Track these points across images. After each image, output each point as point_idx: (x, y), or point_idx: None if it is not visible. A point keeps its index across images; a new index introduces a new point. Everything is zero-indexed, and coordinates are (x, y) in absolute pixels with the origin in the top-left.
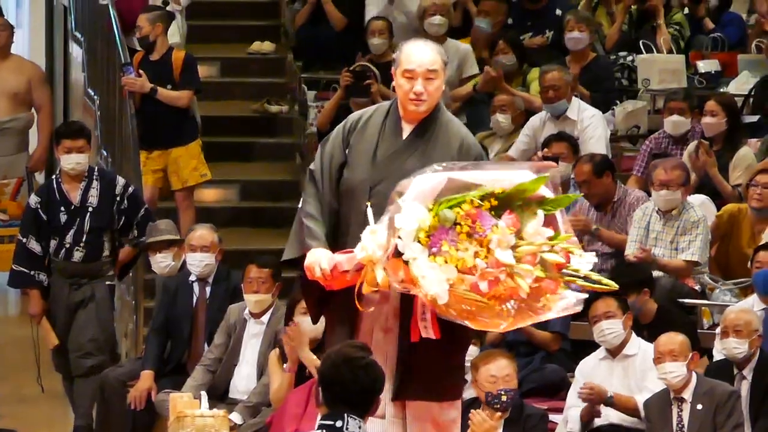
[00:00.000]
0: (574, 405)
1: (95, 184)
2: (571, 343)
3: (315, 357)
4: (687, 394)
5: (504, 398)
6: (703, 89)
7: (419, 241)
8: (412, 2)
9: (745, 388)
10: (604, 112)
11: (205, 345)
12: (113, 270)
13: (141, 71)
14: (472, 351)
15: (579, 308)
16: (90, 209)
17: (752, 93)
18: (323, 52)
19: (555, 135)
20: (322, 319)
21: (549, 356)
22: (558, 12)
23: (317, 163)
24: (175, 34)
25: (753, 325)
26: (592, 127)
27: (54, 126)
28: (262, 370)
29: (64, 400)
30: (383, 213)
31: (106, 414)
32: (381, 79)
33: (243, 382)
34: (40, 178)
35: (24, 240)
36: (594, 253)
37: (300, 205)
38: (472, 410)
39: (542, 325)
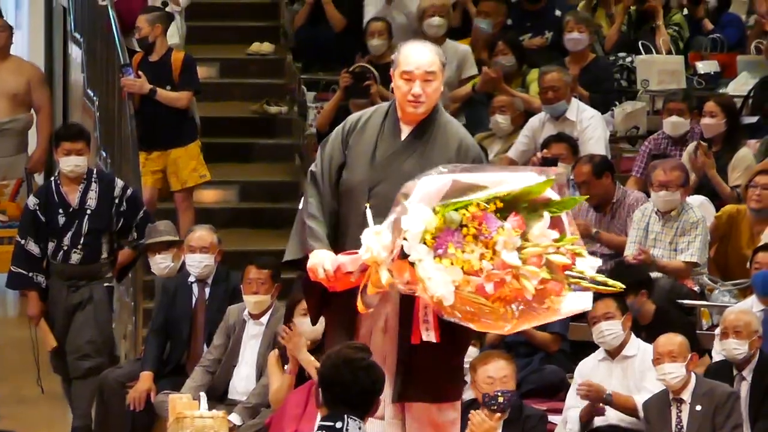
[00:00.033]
0: (573, 406)
1: (94, 186)
2: (570, 344)
3: (313, 358)
4: (686, 395)
5: (500, 399)
6: (703, 90)
7: (425, 243)
8: (412, 2)
9: (744, 389)
10: (603, 113)
11: (205, 346)
12: (112, 272)
13: (140, 72)
14: (472, 352)
15: (588, 307)
16: (88, 211)
17: (751, 94)
18: (322, 53)
19: (554, 136)
20: (322, 320)
21: (548, 357)
22: (557, 13)
23: (318, 164)
24: (174, 35)
25: (753, 326)
26: (591, 128)
27: (53, 127)
28: (261, 371)
29: (64, 401)
30: (382, 214)
31: (105, 415)
32: (380, 80)
33: (242, 383)
34: (39, 179)
35: (22, 241)
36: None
37: (301, 206)
38: (471, 411)
39: (541, 326)
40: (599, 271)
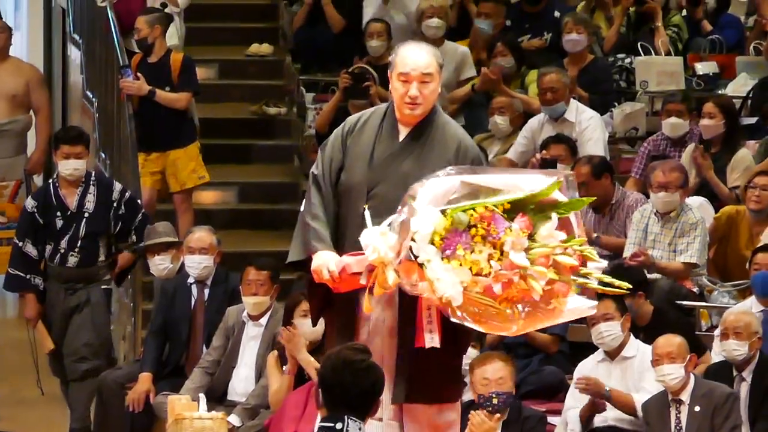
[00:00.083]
0: (573, 406)
1: (92, 189)
2: (569, 345)
3: (313, 359)
4: (685, 396)
5: (495, 401)
6: (701, 91)
7: (433, 244)
8: (411, 3)
9: (744, 389)
10: (602, 114)
11: (204, 347)
12: (110, 275)
13: (139, 73)
14: (472, 353)
15: (592, 311)
16: (86, 215)
17: (750, 95)
18: (321, 55)
19: (553, 137)
20: (321, 321)
21: (547, 358)
22: (556, 14)
23: (318, 166)
24: (173, 36)
25: (753, 327)
26: (590, 129)
27: (52, 128)
28: (260, 372)
29: (63, 402)
30: (381, 215)
31: (104, 416)
32: (379, 81)
33: (241, 384)
34: (38, 180)
35: (20, 244)
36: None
37: (302, 208)
38: (471, 411)
39: (541, 328)
40: None
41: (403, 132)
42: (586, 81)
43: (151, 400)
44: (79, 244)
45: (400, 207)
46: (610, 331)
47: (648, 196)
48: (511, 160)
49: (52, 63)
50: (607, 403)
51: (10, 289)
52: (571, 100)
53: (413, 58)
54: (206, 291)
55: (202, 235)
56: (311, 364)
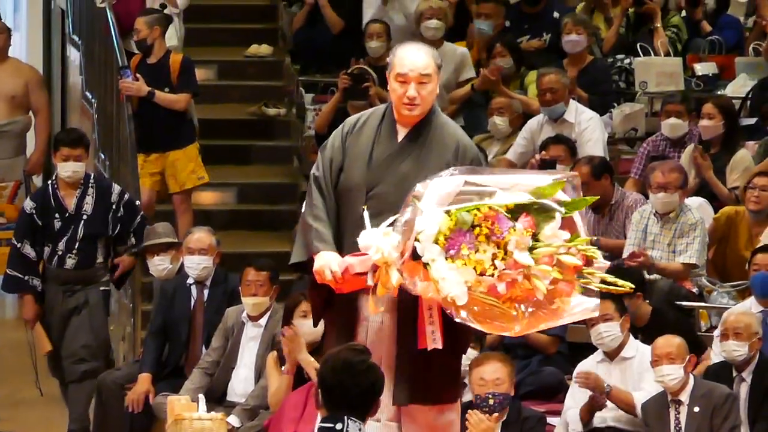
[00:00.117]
0: (572, 406)
1: (90, 191)
2: (568, 345)
3: (313, 359)
4: (684, 397)
5: (491, 401)
6: (701, 92)
7: (437, 244)
8: (411, 4)
9: (744, 390)
10: (601, 115)
11: (203, 348)
12: (110, 278)
13: (138, 74)
14: (472, 354)
15: (595, 313)
16: (84, 217)
17: (749, 96)
18: (320, 55)
19: (553, 138)
20: (321, 322)
21: (547, 359)
22: (555, 15)
23: (319, 167)
24: (172, 37)
25: (753, 328)
26: (589, 129)
27: (51, 129)
28: (259, 373)
29: (62, 403)
30: (380, 216)
31: (103, 417)
32: (378, 82)
33: (241, 385)
34: (37, 181)
35: (18, 245)
36: None
37: (304, 209)
38: (469, 411)
39: None
40: None
41: (402, 133)
42: (585, 82)
43: (151, 400)
44: (76, 246)
45: (403, 207)
46: (609, 331)
47: (647, 197)
48: (510, 160)
49: (51, 64)
50: (607, 401)
51: (8, 290)
52: (571, 100)
53: (411, 58)
54: (205, 292)
55: (201, 236)
56: (311, 365)
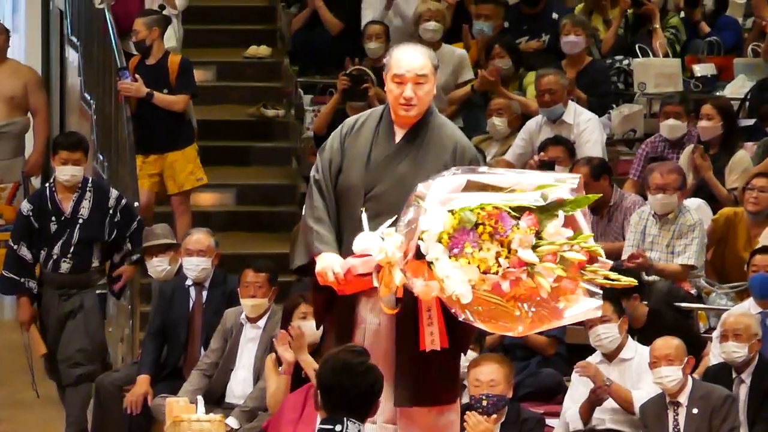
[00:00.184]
0: (571, 406)
1: (88, 195)
2: (567, 347)
3: (312, 360)
4: (683, 398)
5: (485, 403)
6: (699, 93)
7: (440, 243)
8: (409, 6)
9: (743, 391)
10: (600, 116)
11: (202, 349)
12: (110, 287)
13: (137, 76)
14: (471, 355)
15: (598, 313)
16: (80, 221)
17: (748, 97)
18: (319, 56)
19: (551, 139)
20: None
21: (545, 360)
22: (554, 16)
23: (318, 169)
24: (171, 38)
25: (752, 329)
26: (588, 131)
27: (50, 130)
28: (258, 375)
29: (60, 404)
30: (378, 217)
31: (102, 418)
32: (377, 83)
33: (239, 386)
34: (36, 182)
35: (15, 247)
36: None
37: (304, 211)
38: (467, 412)
39: None
40: None
41: (399, 134)
42: (584, 83)
43: (149, 402)
44: (71, 250)
45: (405, 207)
46: (607, 333)
47: (646, 198)
48: (509, 161)
49: (50, 65)
50: (607, 395)
51: (4, 292)
52: (569, 101)
53: (407, 59)
54: (204, 293)
55: (200, 237)
56: (311, 365)
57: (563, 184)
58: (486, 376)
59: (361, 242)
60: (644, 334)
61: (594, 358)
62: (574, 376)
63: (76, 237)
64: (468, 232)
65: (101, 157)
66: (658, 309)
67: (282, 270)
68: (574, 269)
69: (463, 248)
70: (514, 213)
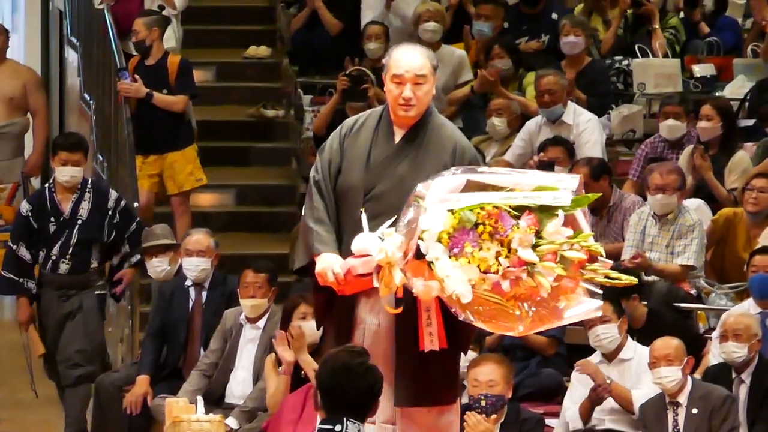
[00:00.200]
0: (571, 406)
1: (87, 196)
2: (566, 347)
3: (312, 360)
4: (682, 399)
5: (483, 403)
6: (699, 93)
7: (440, 242)
8: (408, 7)
9: (743, 392)
10: (599, 117)
11: (201, 350)
12: (111, 290)
13: (136, 76)
14: (471, 355)
15: (598, 313)
16: (79, 221)
17: (748, 97)
18: (319, 57)
19: (551, 139)
20: None
21: (545, 361)
22: (554, 16)
23: (318, 169)
24: (170, 38)
25: (752, 330)
26: (587, 131)
27: (50, 131)
28: (258, 375)
29: (60, 404)
30: (378, 217)
31: (102, 419)
32: (377, 83)
33: (239, 387)
34: (35, 182)
35: (14, 247)
36: None
37: (304, 212)
38: (467, 412)
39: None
40: None
41: (399, 134)
42: (583, 83)
43: (149, 402)
44: (70, 251)
45: (405, 207)
46: (607, 333)
47: (645, 199)
48: (508, 162)
49: (49, 65)
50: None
51: (3, 292)
52: (569, 102)
53: (406, 59)
54: (204, 293)
55: (199, 238)
56: (311, 365)
57: (563, 184)
58: (485, 376)
59: (361, 242)
60: (644, 334)
61: (593, 359)
62: (574, 376)
63: (74, 238)
64: (468, 231)
65: (101, 158)
66: (657, 309)
67: (282, 270)
68: (575, 268)
69: (463, 248)
70: (514, 212)
